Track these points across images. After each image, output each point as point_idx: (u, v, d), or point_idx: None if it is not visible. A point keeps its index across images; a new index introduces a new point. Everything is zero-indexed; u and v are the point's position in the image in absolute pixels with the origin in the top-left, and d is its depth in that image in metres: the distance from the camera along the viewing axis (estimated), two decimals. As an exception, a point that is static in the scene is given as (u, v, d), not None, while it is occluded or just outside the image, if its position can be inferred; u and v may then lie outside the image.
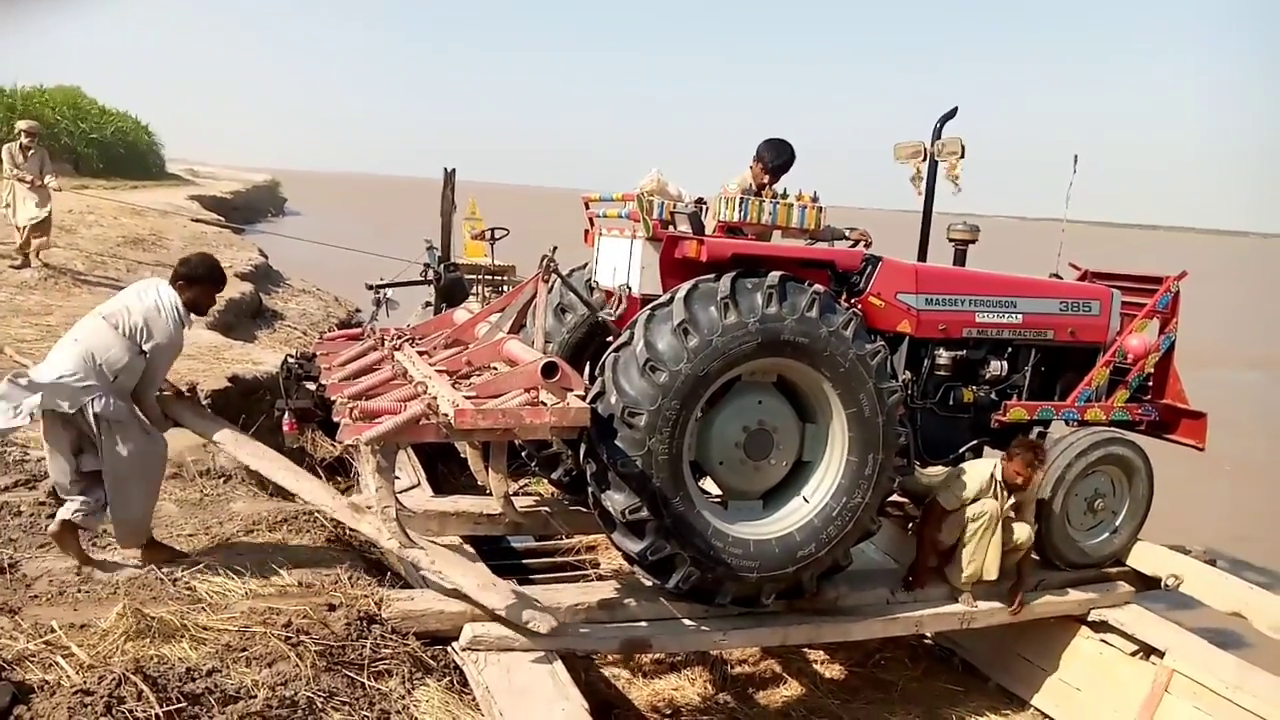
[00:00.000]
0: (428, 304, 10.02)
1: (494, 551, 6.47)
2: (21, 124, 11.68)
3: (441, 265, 9.06)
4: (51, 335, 8.41)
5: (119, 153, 33.35)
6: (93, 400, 4.03)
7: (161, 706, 2.87)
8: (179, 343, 4.35)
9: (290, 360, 6.62)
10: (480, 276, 10.90)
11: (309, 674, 3.48)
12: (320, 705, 3.31)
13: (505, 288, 10.59)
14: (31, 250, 11.10)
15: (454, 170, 9.28)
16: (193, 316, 4.42)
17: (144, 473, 4.24)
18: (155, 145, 39.27)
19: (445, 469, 7.55)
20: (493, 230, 11.20)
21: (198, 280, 4.44)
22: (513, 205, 25.49)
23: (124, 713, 2.77)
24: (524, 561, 6.94)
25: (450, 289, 9.00)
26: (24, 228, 10.98)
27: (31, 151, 11.07)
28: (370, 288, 10.43)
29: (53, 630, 3.39)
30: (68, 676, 3.08)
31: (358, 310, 15.45)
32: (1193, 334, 6.87)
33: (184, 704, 2.96)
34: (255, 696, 3.24)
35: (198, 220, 21.04)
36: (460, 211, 11.45)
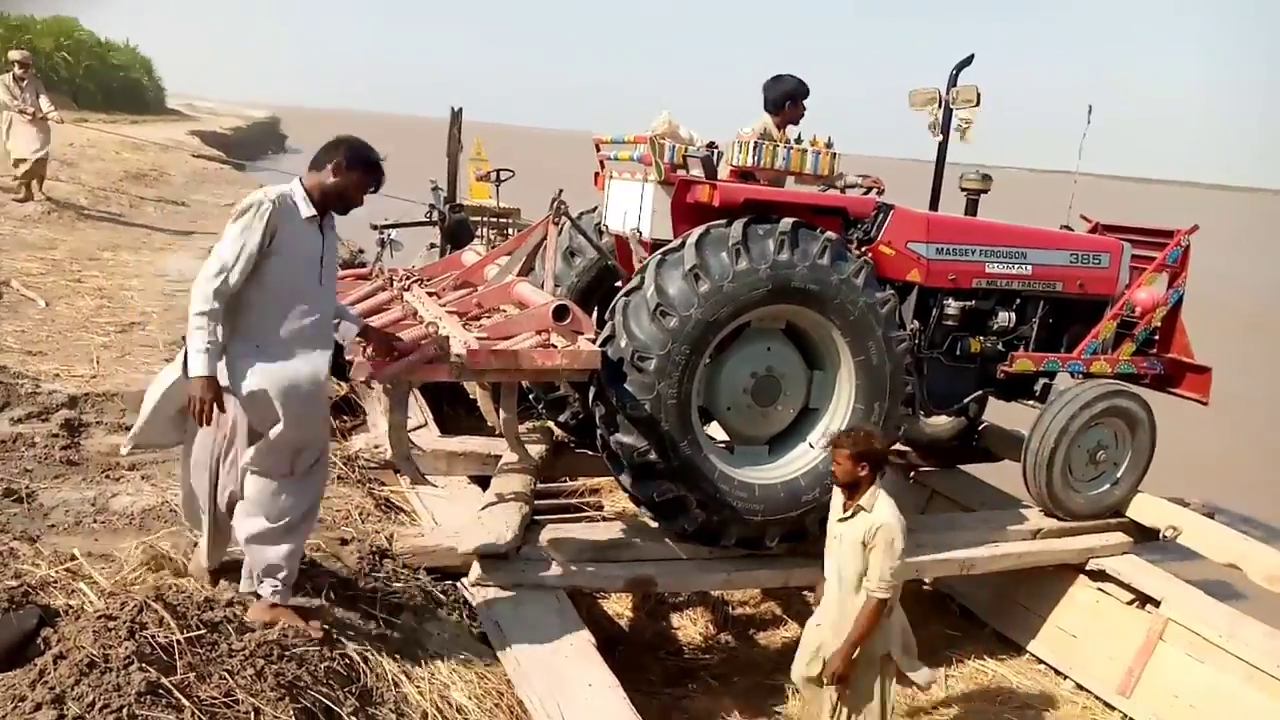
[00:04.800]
0: (432, 245, 9.97)
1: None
2: (14, 54, 11.46)
3: (447, 206, 9.00)
4: (57, 269, 8.44)
5: (118, 86, 32.98)
6: None
7: (182, 633, 2.93)
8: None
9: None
10: (485, 219, 10.84)
11: (323, 605, 3.55)
12: (336, 635, 3.37)
13: (510, 230, 10.52)
14: (34, 184, 11.03)
15: (461, 110, 9.16)
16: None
17: None
18: (155, 79, 38.82)
19: (450, 410, 7.60)
20: (498, 172, 11.09)
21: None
22: (518, 147, 25.23)
23: (147, 637, 2.82)
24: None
25: (456, 230, 8.95)
26: (24, 160, 10.89)
27: (26, 83, 10.92)
28: (374, 228, 10.37)
29: (74, 558, 3.45)
30: (90, 602, 3.14)
31: (360, 251, 15.38)
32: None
33: (204, 631, 3.01)
34: (272, 626, 3.30)
35: (199, 156, 20.90)
36: (466, 152, 11.34)
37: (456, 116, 8.79)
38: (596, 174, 5.67)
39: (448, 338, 4.07)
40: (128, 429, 5.18)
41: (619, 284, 5.07)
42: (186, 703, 2.68)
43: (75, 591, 3.24)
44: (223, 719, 2.73)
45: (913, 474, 6.94)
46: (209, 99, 65.87)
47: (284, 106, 77.82)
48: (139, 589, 3.23)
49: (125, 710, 2.56)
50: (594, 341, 4.25)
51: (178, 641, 2.89)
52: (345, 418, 7.34)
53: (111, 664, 2.68)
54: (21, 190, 11.03)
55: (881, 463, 3.81)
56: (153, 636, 2.87)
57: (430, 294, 5.19)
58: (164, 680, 2.70)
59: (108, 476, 4.57)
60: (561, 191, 4.97)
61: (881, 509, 3.69)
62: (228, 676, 2.89)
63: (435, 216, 9.44)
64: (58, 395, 5.28)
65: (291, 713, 2.90)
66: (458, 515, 4.82)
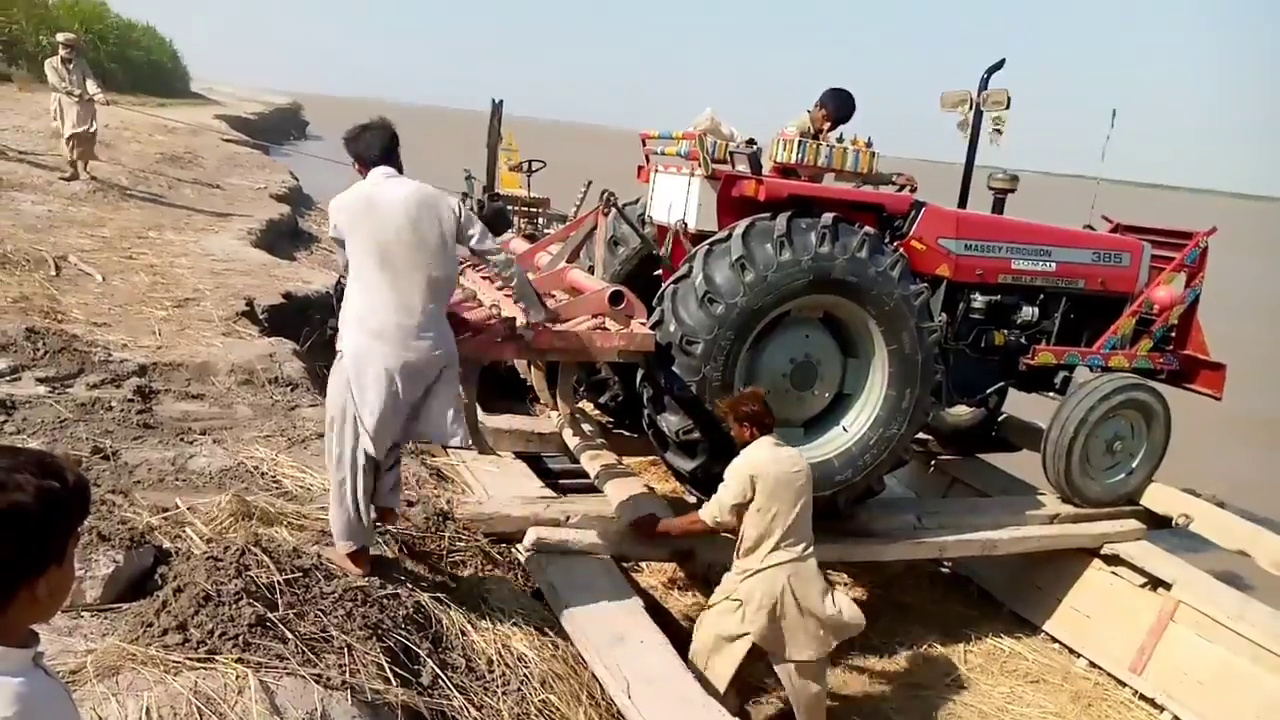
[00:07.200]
0: (466, 233, 10.21)
1: (535, 471, 6.81)
2: (61, 37, 11.74)
3: (486, 195, 9.27)
4: (109, 246, 8.73)
5: (144, 69, 33.34)
6: None
7: (280, 575, 3.22)
8: None
9: (343, 281, 6.89)
10: (516, 208, 11.09)
11: (396, 558, 3.85)
12: (410, 585, 3.66)
13: (540, 219, 10.79)
14: (80, 163, 11.34)
15: (501, 102, 9.42)
16: None
17: None
18: (180, 63, 39.20)
19: (484, 390, 7.87)
20: (529, 162, 11.36)
21: None
22: (546, 140, 25.45)
23: (250, 577, 3.11)
24: (560, 482, 7.27)
25: (493, 219, 9.20)
26: (72, 139, 11.19)
27: (73, 65, 11.21)
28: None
29: (174, 508, 3.74)
30: (196, 545, 3.44)
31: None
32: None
33: (298, 575, 3.30)
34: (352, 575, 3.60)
35: (227, 140, 21.23)
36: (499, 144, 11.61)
37: (497, 109, 9.04)
38: (640, 167, 5.92)
39: (513, 319, 4.34)
40: (195, 397, 5.53)
41: (659, 272, 5.33)
42: (290, 635, 2.97)
43: (179, 537, 3.53)
44: (321, 652, 3.02)
45: (933, 462, 7.19)
46: (226, 84, 66.24)
47: (305, 94, 78.10)
48: (235, 536, 3.51)
49: (240, 638, 2.86)
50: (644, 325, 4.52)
51: (278, 582, 3.18)
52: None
53: (224, 598, 2.97)
54: (70, 169, 11.34)
55: (757, 420, 4.25)
56: (255, 577, 3.16)
57: (485, 278, 5.47)
58: (269, 615, 3.00)
59: (182, 440, 4.86)
60: (590, 184, 5.23)
61: (742, 454, 4.22)
62: (321, 615, 3.18)
63: (471, 205, 9.69)
64: (128, 364, 5.58)
65: (378, 650, 3.19)
66: (507, 486, 5.11)
